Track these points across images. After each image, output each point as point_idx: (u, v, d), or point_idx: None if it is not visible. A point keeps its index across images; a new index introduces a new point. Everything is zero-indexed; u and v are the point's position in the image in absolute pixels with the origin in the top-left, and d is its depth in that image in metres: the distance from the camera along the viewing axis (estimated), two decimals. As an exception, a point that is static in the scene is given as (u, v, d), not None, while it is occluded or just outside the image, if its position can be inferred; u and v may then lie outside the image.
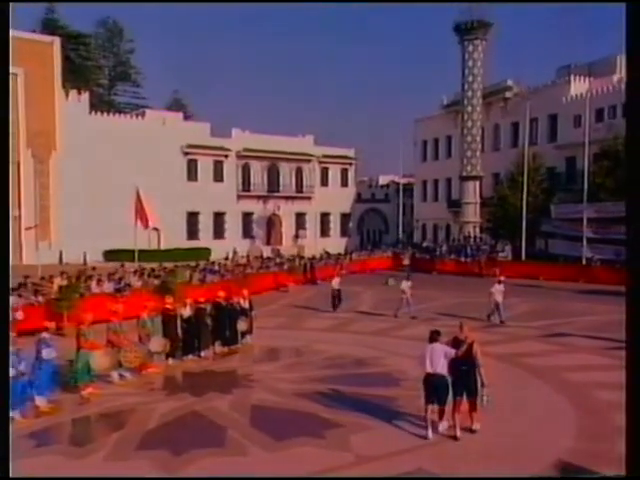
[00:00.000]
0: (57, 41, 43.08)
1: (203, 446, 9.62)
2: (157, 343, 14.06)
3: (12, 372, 10.54)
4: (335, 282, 23.30)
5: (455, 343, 9.94)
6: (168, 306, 15.09)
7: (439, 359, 9.60)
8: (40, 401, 11.25)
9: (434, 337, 9.83)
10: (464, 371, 9.71)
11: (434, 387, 9.64)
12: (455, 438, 9.56)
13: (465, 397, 9.72)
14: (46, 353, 11.38)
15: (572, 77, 43.03)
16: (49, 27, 54.54)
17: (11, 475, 6.05)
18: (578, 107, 38.94)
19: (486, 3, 39.56)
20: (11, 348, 10.65)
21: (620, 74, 41.52)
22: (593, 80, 41.51)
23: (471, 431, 9.76)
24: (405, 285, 21.59)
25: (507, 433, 10.09)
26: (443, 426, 9.83)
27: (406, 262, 37.60)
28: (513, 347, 16.33)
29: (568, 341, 17.44)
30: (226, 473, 8.77)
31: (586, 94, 37.86)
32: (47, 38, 43.68)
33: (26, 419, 10.77)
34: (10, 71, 39.44)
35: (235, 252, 44.65)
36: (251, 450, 9.51)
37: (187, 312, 15.10)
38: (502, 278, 21.01)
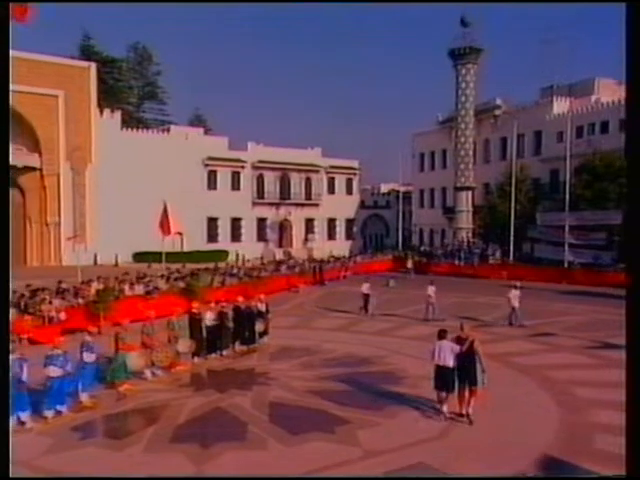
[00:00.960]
0: (93, 66, 43.47)
1: (227, 440, 9.65)
2: (184, 343, 14.12)
3: (60, 372, 10.84)
4: (365, 287, 22.15)
5: (458, 341, 10.64)
6: (194, 310, 15.21)
7: (446, 354, 10.44)
8: (83, 397, 11.42)
9: (442, 335, 10.74)
10: (466, 364, 10.46)
11: (443, 376, 10.51)
12: (461, 416, 10.47)
13: (467, 385, 10.47)
14: (86, 356, 11.58)
15: (554, 97, 43.10)
16: (86, 53, 54.87)
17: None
18: (560, 124, 39.06)
19: (477, 31, 39.57)
20: (58, 351, 10.98)
21: (598, 95, 41.80)
22: (573, 100, 41.38)
23: (467, 414, 10.44)
24: (430, 290, 20.78)
25: (497, 429, 10.14)
26: (446, 409, 10.57)
27: (410, 265, 36.94)
28: (503, 346, 16.13)
29: (552, 340, 17.35)
30: (248, 466, 8.81)
31: (567, 113, 38.14)
32: (84, 63, 44.10)
33: (72, 413, 10.92)
34: (46, 92, 39.44)
35: (244, 258, 44.29)
36: (270, 444, 9.54)
37: (211, 315, 15.13)
38: (518, 284, 20.33)
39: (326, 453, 9.13)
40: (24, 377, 10.30)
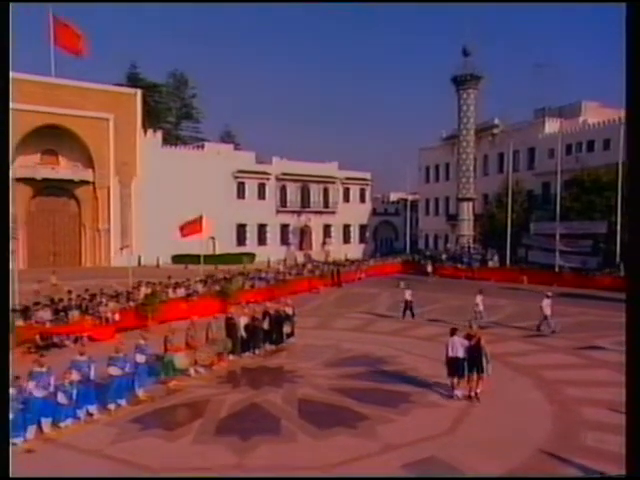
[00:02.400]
0: (139, 92, 44.06)
1: (263, 434, 9.67)
2: (222, 344, 14.30)
3: (120, 371, 11.21)
4: (408, 294, 20.96)
5: (468, 337, 11.79)
6: (230, 315, 15.45)
7: (457, 347, 11.59)
8: (140, 392, 11.65)
9: (453, 332, 11.86)
10: (474, 356, 11.54)
11: (455, 365, 11.62)
12: (470, 397, 11.43)
13: (475, 372, 11.53)
14: (139, 358, 11.78)
15: (546, 118, 42.89)
16: (132, 80, 55.52)
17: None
18: (551, 142, 38.91)
19: (478, 62, 39.54)
20: (119, 354, 11.36)
21: (584, 117, 41.60)
22: (563, 121, 41.20)
23: (476, 395, 11.43)
24: (478, 299, 19.69)
25: (497, 425, 10.16)
26: (458, 393, 11.58)
27: (429, 269, 35.55)
28: (501, 347, 15.81)
29: (545, 341, 17.17)
30: (281, 458, 8.82)
31: (557, 132, 38.15)
32: (131, 90, 44.72)
33: (130, 406, 11.16)
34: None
35: (269, 260, 44.76)
36: (300, 437, 9.59)
37: (245, 319, 15.29)
38: (550, 293, 19.17)
39: (349, 447, 9.16)
40: (92, 376, 10.67)
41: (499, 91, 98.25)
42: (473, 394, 11.41)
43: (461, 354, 11.51)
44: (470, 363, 11.52)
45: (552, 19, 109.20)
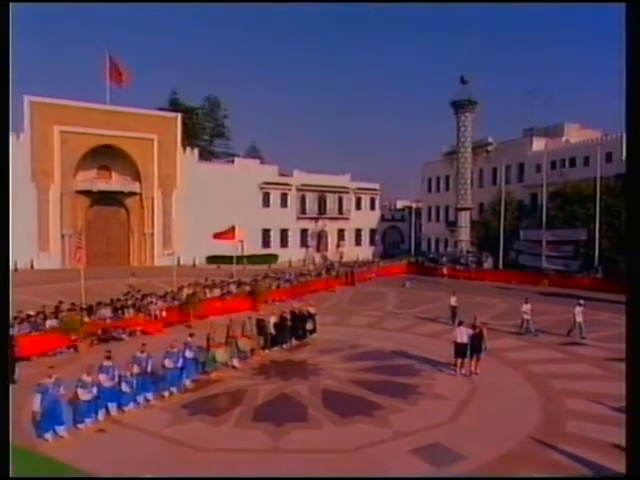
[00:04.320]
0: (179, 115, 44.45)
1: (294, 420, 9.75)
2: (255, 340, 14.53)
3: (173, 364, 11.58)
4: (453, 300, 19.31)
5: (473, 327, 13.19)
6: (261, 316, 15.59)
7: (463, 335, 12.91)
8: (187, 382, 11.96)
9: (460, 323, 13.35)
10: (476, 342, 12.99)
11: (460, 349, 12.91)
12: (471, 374, 12.77)
13: (475, 355, 12.96)
14: (188, 353, 12.10)
15: (534, 137, 42.48)
16: (173, 105, 56.04)
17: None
18: (538, 158, 38.68)
19: (475, 89, 39.34)
20: (174, 350, 11.68)
21: (567, 136, 41.27)
22: (548, 140, 40.97)
23: (476, 374, 12.74)
24: (526, 307, 17.60)
25: (492, 414, 10.23)
26: (462, 371, 12.86)
27: (445, 272, 33.94)
28: (495, 343, 15.41)
29: (533, 338, 16.92)
30: (310, 442, 8.88)
31: (544, 150, 37.94)
32: (172, 114, 45.13)
33: (180, 394, 11.46)
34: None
35: (290, 261, 44.78)
36: (325, 424, 9.70)
37: (274, 318, 15.46)
38: (582, 301, 17.54)
39: (367, 433, 9.29)
40: (149, 369, 11.10)
41: (493, 113, 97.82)
42: (472, 371, 12.86)
43: (466, 340, 12.82)
44: (472, 348, 12.89)
45: (540, 52, 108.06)
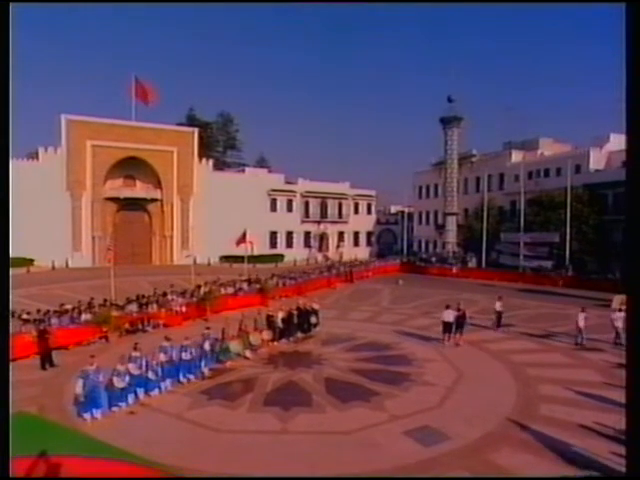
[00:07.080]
0: (196, 130, 44.36)
1: (300, 405, 9.81)
2: (265, 333, 14.65)
3: (190, 356, 11.58)
4: (498, 305, 17.54)
5: (457, 309, 15.18)
6: (270, 313, 15.71)
7: (450, 316, 14.95)
8: (205, 370, 12.10)
9: (447, 307, 15.26)
10: (460, 322, 15.03)
11: (446, 326, 14.93)
12: (456, 345, 14.69)
13: (459, 331, 14.99)
14: (206, 345, 12.28)
15: (512, 150, 42.47)
16: (190, 120, 55.94)
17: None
18: (516, 169, 38.70)
19: (460, 107, 39.41)
20: (189, 342, 11.84)
21: (541, 150, 41.33)
22: (525, 153, 41.11)
23: (458, 345, 14.64)
24: (581, 317, 15.28)
25: (475, 399, 10.30)
26: (448, 343, 14.79)
27: (454, 270, 33.98)
28: (478, 335, 15.94)
29: (512, 330, 17.02)
30: (314, 425, 8.86)
31: (521, 161, 38.18)
32: (189, 129, 45.04)
33: (198, 381, 11.59)
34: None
35: (295, 260, 44.65)
36: (328, 409, 9.72)
37: (282, 313, 15.54)
38: (622, 307, 15.05)
39: (365, 417, 9.34)
40: (175, 357, 11.31)
41: (477, 127, 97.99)
42: (456, 344, 14.69)
43: (452, 319, 14.81)
44: (457, 325, 14.85)
45: (519, 69, 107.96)
